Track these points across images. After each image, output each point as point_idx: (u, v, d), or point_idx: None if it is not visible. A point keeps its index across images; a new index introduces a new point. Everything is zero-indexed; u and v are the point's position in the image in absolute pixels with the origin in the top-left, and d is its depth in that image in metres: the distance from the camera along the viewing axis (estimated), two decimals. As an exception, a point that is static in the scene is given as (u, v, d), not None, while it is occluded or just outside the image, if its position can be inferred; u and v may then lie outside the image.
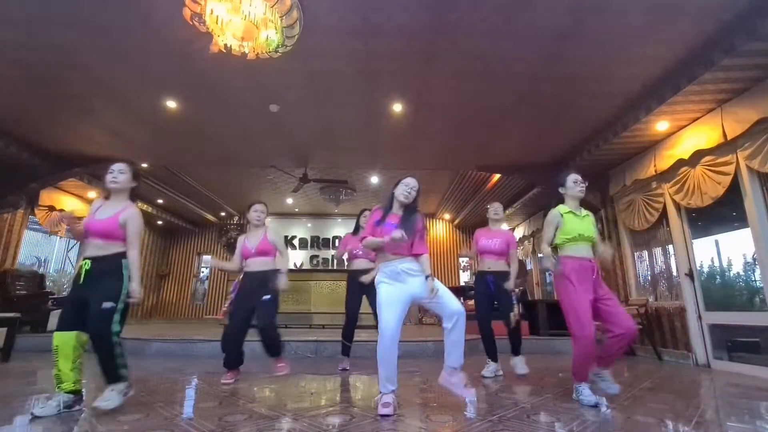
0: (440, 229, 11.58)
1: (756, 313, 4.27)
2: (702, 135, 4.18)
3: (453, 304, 2.37)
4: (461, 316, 2.35)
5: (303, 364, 3.24)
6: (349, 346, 3.87)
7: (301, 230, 11.44)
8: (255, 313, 3.13)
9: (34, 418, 2.10)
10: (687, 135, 4.41)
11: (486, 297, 3.61)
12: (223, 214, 10.83)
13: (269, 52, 3.07)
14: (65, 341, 2.24)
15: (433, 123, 4.99)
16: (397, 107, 4.57)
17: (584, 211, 2.82)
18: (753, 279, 5.54)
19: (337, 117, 4.89)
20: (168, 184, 8.24)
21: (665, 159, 4.68)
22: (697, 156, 4.22)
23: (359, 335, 3.95)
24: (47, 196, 6.90)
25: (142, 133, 5.33)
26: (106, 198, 2.51)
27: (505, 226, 3.91)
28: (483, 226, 3.86)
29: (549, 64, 3.65)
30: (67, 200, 7.51)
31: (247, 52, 2.97)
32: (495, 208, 3.78)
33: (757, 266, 3.99)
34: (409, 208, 2.51)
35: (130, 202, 2.51)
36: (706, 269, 5.80)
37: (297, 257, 11.09)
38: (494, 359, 3.53)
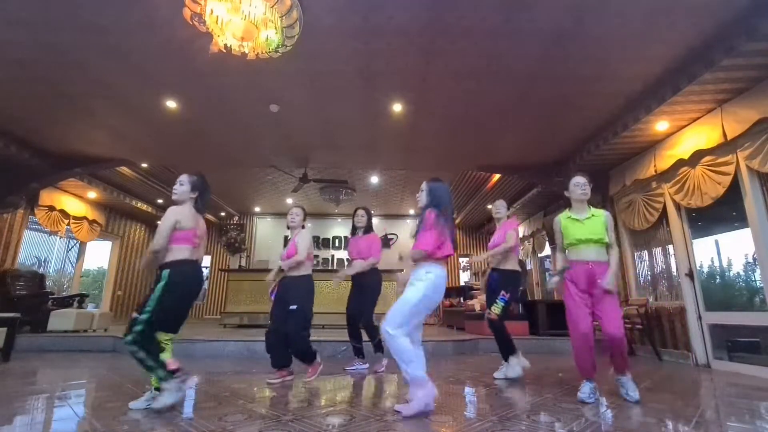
0: (440, 229, 11.53)
1: (756, 313, 4.28)
2: (702, 135, 4.18)
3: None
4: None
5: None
6: (358, 347, 3.81)
7: (301, 230, 11.41)
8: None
9: (129, 410, 2.24)
10: (687, 135, 4.41)
11: (493, 294, 3.56)
12: (222, 214, 10.83)
13: (269, 52, 3.07)
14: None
15: (434, 123, 4.99)
16: (397, 107, 4.57)
17: (591, 212, 2.81)
18: (753, 279, 5.54)
19: (337, 117, 4.89)
20: (168, 184, 8.20)
21: (665, 159, 4.68)
22: (697, 156, 4.22)
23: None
24: (47, 196, 6.91)
25: (142, 133, 5.33)
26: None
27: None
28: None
29: (549, 64, 3.65)
30: (67, 200, 7.52)
31: (247, 52, 2.97)
32: (496, 206, 3.76)
33: (757, 266, 3.99)
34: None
35: (178, 208, 2.54)
36: (706, 269, 5.80)
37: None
38: (506, 359, 3.45)
